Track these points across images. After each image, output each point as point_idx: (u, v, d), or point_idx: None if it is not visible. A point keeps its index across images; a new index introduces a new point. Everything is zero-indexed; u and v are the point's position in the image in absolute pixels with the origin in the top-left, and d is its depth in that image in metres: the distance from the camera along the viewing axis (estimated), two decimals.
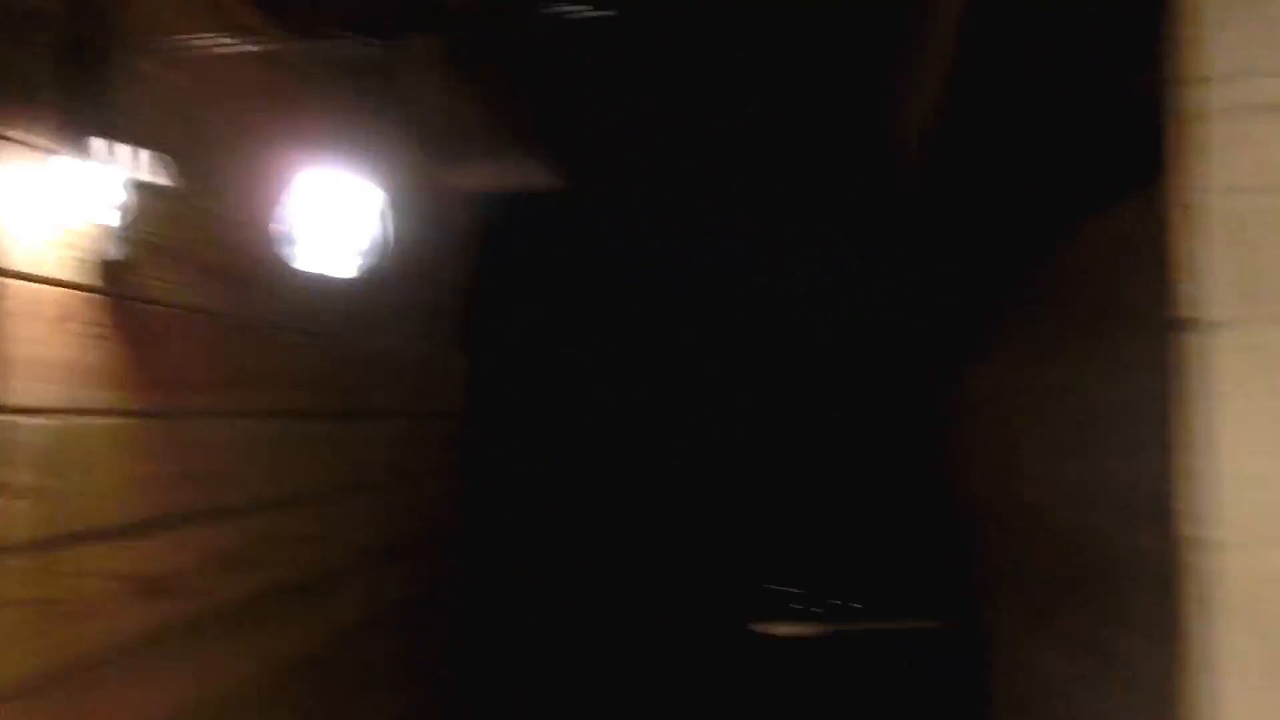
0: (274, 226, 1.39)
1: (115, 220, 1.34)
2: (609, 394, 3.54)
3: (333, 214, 1.26)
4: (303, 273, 1.28)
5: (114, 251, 1.36)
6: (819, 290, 3.35)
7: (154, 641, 1.51)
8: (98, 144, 1.29)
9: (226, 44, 1.51)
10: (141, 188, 1.41)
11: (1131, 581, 1.29)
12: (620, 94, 2.73)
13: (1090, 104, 1.20)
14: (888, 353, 3.32)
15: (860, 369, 3.38)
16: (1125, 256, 1.27)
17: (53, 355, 1.27)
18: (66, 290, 1.31)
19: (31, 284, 1.24)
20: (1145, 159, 1.05)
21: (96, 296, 1.36)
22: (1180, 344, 1.02)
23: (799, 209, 3.21)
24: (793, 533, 3.41)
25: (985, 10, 1.32)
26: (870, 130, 2.74)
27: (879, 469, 3.41)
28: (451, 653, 3.12)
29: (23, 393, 1.21)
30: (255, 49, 1.50)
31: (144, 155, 1.37)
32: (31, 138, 1.25)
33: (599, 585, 3.51)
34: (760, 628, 3.04)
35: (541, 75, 2.24)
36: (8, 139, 1.21)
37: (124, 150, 1.33)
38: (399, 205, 2.55)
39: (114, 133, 1.34)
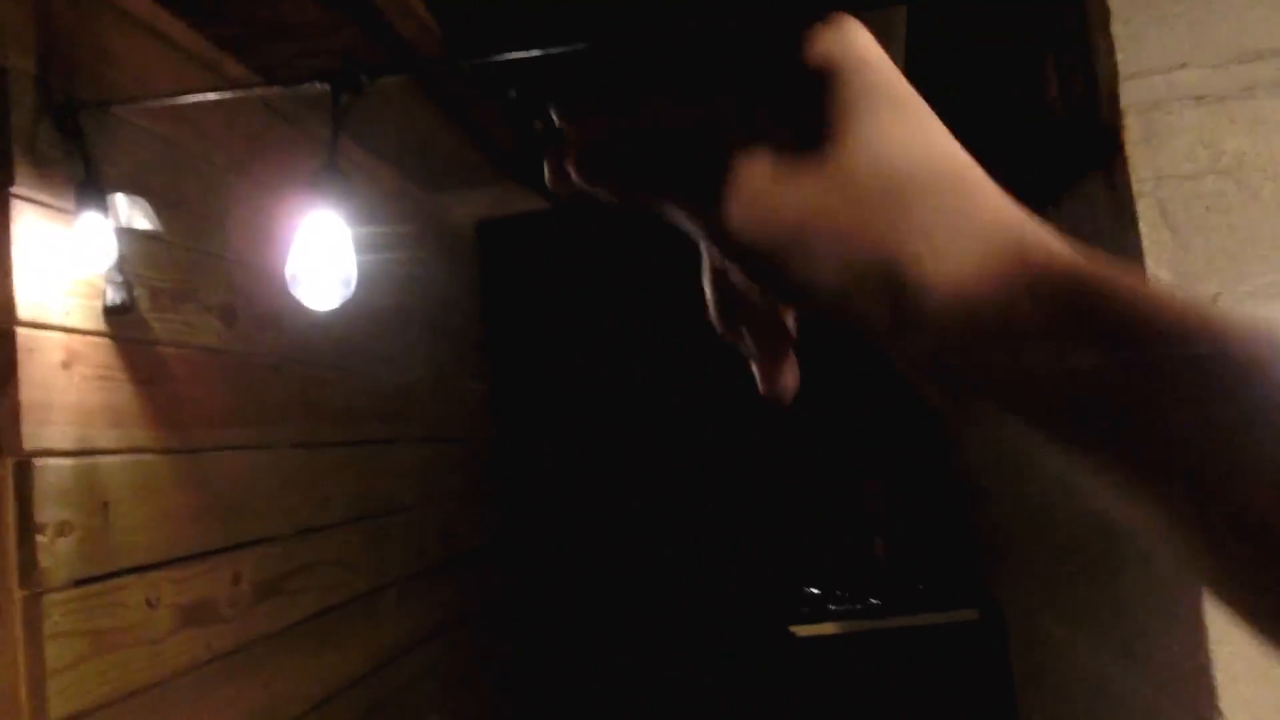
0: (274, 264, 1.47)
1: (115, 267, 1.43)
2: (632, 404, 3.59)
3: (322, 250, 1.32)
4: (313, 310, 1.34)
5: (115, 297, 1.44)
6: None
7: (200, 668, 1.58)
8: (93, 196, 1.38)
9: (210, 94, 1.60)
10: (138, 235, 1.49)
11: (1144, 564, 1.30)
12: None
13: (1039, 99, 1.22)
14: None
15: (876, 362, 3.38)
16: (1090, 242, 1.28)
17: (64, 399, 1.36)
18: (73, 335, 1.39)
19: (40, 331, 1.32)
20: (1092, 153, 1.07)
21: (102, 340, 1.45)
22: None
23: None
24: (825, 533, 3.42)
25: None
26: None
27: (903, 463, 3.41)
28: (496, 668, 3.18)
29: (39, 436, 1.30)
30: (238, 95, 1.58)
31: (138, 204, 1.45)
32: (33, 193, 1.33)
33: (638, 595, 3.54)
34: (799, 629, 3.05)
35: (516, 100, 2.31)
36: (15, 196, 1.30)
37: (120, 200, 1.42)
38: (393, 237, 2.63)
39: (109, 185, 1.42)
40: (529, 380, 3.56)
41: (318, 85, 1.21)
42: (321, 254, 1.23)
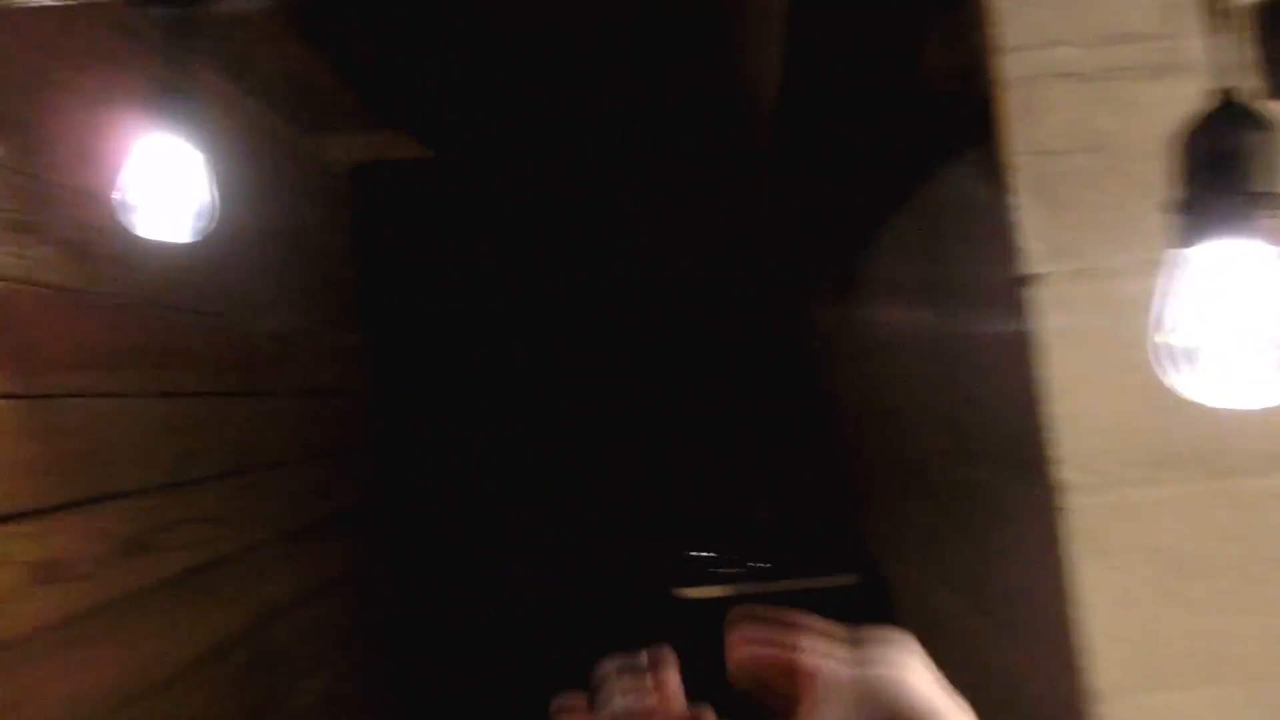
0: (116, 196, 1.36)
1: None
2: (513, 358, 3.55)
3: (169, 180, 1.23)
4: (167, 253, 1.26)
5: None
6: (692, 245, 3.41)
7: (56, 629, 1.50)
8: None
9: (57, 5, 1.48)
10: None
11: (1010, 525, 1.35)
12: (478, 57, 2.74)
13: (920, 69, 1.24)
14: (770, 307, 3.39)
15: (743, 323, 3.44)
16: (970, 212, 1.32)
17: None
18: None
19: None
20: (971, 126, 1.10)
21: None
22: (1020, 298, 1.08)
23: (665, 161, 3.25)
24: (705, 496, 3.48)
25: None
26: (727, 93, 2.79)
27: (777, 426, 3.48)
28: (375, 630, 3.13)
29: None
30: (85, 10, 1.47)
31: None
32: None
33: (518, 554, 3.53)
34: (681, 593, 3.09)
35: (395, 40, 2.24)
36: None
37: None
38: (251, 173, 2.51)
39: None
40: (406, 332, 3.48)
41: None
42: (165, 181, 1.14)
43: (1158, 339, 0.69)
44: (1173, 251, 0.70)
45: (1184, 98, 1.02)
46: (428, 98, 2.76)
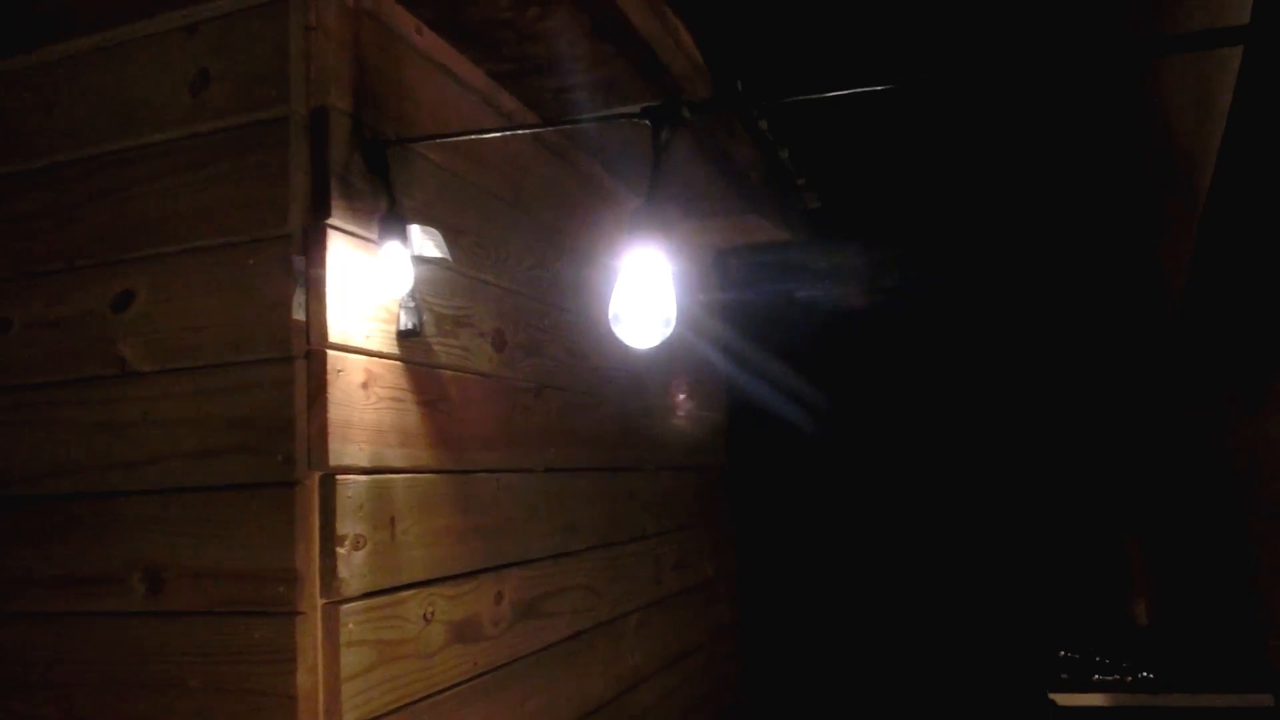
0: (540, 291, 1.48)
1: (409, 294, 1.50)
2: (875, 447, 3.46)
3: (643, 288, 1.28)
4: (633, 348, 1.32)
5: (408, 321, 1.51)
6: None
7: (465, 684, 1.63)
8: (395, 227, 1.46)
9: (496, 132, 1.65)
10: (428, 263, 1.56)
11: None
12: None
13: None
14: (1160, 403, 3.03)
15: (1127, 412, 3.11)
16: None
17: (363, 418, 1.43)
18: (371, 358, 1.46)
19: (346, 354, 1.40)
20: None
21: (394, 363, 1.52)
22: None
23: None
24: (1078, 594, 3.14)
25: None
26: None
27: (1170, 515, 3.07)
28: (740, 693, 3.14)
29: (342, 453, 1.37)
30: (542, 130, 1.62)
31: (430, 234, 1.52)
32: (345, 224, 1.42)
33: (878, 641, 3.39)
34: (1057, 697, 2.80)
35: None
36: (331, 226, 1.39)
37: (415, 230, 1.49)
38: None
39: (407, 216, 1.50)
40: (761, 414, 3.51)
41: (635, 119, 1.21)
42: (643, 292, 1.21)
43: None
44: None
45: None
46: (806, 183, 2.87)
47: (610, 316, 1.21)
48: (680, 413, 2.93)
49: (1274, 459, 2.52)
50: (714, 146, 2.39)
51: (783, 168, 2.72)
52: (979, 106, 2.83)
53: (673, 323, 1.22)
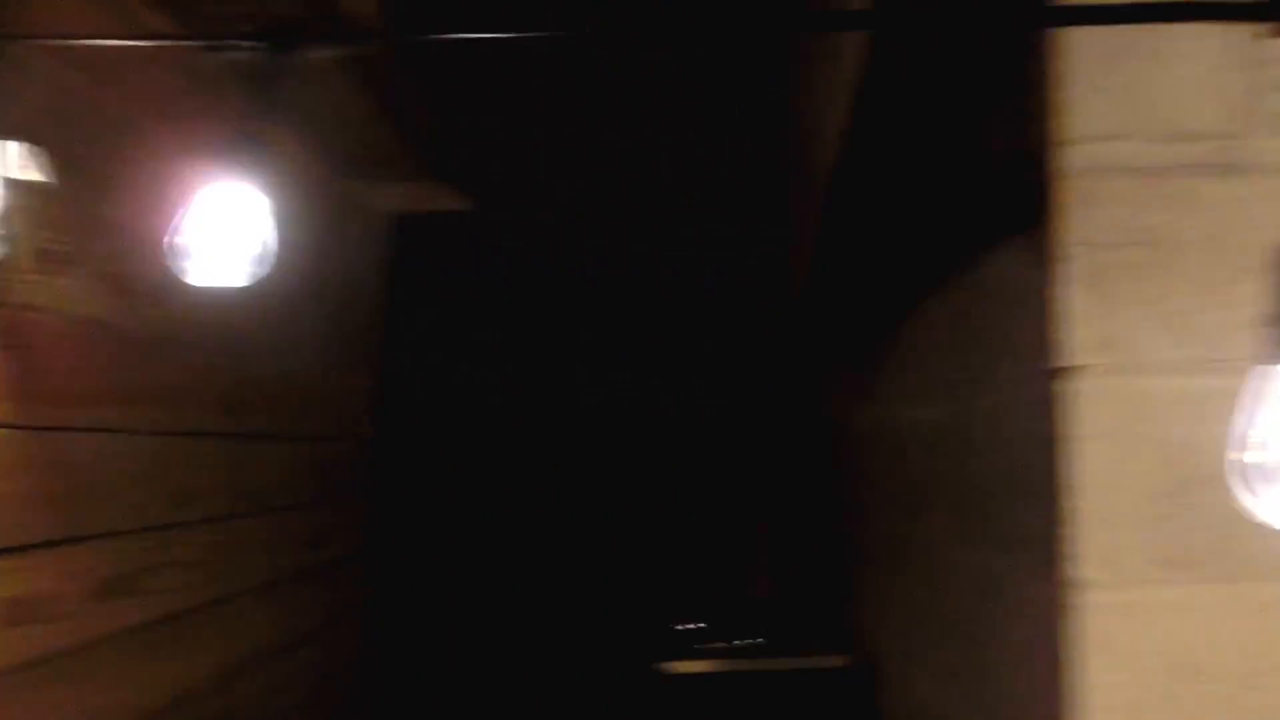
0: (169, 237, 1.35)
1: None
2: (516, 421, 3.52)
3: (227, 225, 1.22)
4: (201, 289, 1.24)
5: None
6: (721, 320, 3.43)
7: (28, 668, 1.43)
8: None
9: (124, 44, 1.48)
10: (28, 187, 1.36)
11: (1014, 618, 1.32)
12: (529, 117, 2.79)
13: (967, 164, 1.26)
14: (789, 384, 3.40)
15: (759, 400, 3.44)
16: (1008, 300, 1.32)
17: None
18: None
19: None
20: (1024, 212, 1.10)
21: None
22: (1055, 390, 1.06)
23: (706, 236, 3.29)
24: (697, 570, 3.43)
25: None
26: (782, 161, 2.84)
27: (777, 507, 3.46)
28: (358, 680, 3.03)
29: None
30: (154, 52, 1.47)
31: (32, 153, 1.33)
32: None
33: (504, 616, 3.46)
34: (664, 666, 3.02)
35: (447, 93, 2.28)
36: None
37: (10, 147, 1.29)
38: (298, 219, 2.51)
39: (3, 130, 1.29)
40: (417, 383, 3.45)
41: (254, 44, 1.12)
42: (228, 226, 1.13)
43: (1237, 456, 0.67)
44: (1262, 367, 0.68)
45: (1245, 198, 1.03)
46: (474, 151, 2.80)
47: (169, 248, 1.12)
48: (321, 380, 2.79)
49: (848, 444, 2.91)
50: (396, 105, 2.33)
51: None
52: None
53: (268, 262, 1.16)
